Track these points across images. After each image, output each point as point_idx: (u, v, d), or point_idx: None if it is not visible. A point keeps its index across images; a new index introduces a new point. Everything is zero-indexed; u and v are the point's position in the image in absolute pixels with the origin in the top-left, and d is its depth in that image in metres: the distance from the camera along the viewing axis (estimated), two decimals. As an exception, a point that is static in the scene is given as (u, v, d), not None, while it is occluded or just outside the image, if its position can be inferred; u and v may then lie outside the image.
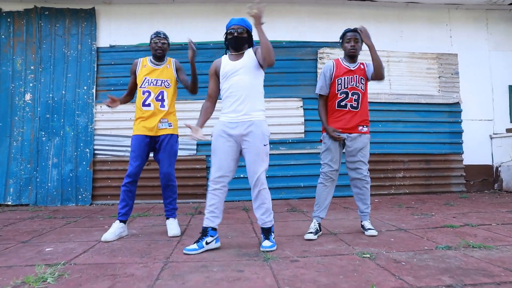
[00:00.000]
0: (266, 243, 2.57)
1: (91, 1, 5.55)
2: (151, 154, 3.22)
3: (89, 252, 2.54)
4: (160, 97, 3.12)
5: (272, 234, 2.66)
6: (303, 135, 5.64)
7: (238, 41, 2.62)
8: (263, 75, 2.71)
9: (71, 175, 5.24)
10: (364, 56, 3.25)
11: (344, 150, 3.10)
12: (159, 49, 3.14)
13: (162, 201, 4.94)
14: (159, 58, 3.18)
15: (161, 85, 3.13)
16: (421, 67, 5.93)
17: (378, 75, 2.95)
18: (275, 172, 5.50)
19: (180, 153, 5.35)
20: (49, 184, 5.20)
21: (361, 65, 3.09)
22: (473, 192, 5.86)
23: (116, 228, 2.99)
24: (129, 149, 5.27)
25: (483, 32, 6.16)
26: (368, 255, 2.34)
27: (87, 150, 5.30)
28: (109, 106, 3.18)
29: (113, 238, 2.92)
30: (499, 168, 5.92)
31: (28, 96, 5.37)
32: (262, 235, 2.66)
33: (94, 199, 5.25)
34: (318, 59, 5.74)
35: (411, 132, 5.82)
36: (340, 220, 3.66)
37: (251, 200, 5.33)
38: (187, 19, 5.73)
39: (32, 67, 5.43)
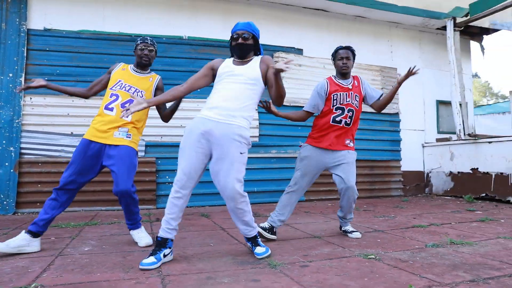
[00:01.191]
0: (260, 249, 2.34)
1: (21, -25, 4.75)
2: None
3: (52, 269, 2.04)
4: (127, 105, 2.61)
5: (259, 238, 2.44)
6: (257, 139, 5.51)
7: (243, 48, 2.36)
8: (262, 89, 2.41)
9: (-12, 178, 4.33)
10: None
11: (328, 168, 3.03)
12: (145, 57, 2.75)
13: (104, 208, 4.43)
14: (143, 67, 2.79)
15: (133, 93, 2.68)
16: (367, 78, 6.27)
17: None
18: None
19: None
20: (-42, 190, 4.23)
21: (355, 81, 3.05)
22: (409, 196, 6.35)
23: (18, 239, 2.40)
24: (66, 148, 4.63)
25: (417, 51, 6.79)
26: (373, 256, 2.29)
27: (12, 148, 4.44)
28: (29, 88, 2.71)
29: (7, 250, 2.32)
30: (429, 174, 6.53)
31: None
32: (248, 243, 2.42)
33: (19, 207, 4.40)
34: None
35: (358, 139, 6.08)
36: (312, 224, 3.59)
37: (204, 206, 5.03)
38: (139, 9, 5.24)
39: None
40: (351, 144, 3.04)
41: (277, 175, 5.56)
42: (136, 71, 2.80)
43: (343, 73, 3.00)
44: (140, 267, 2.04)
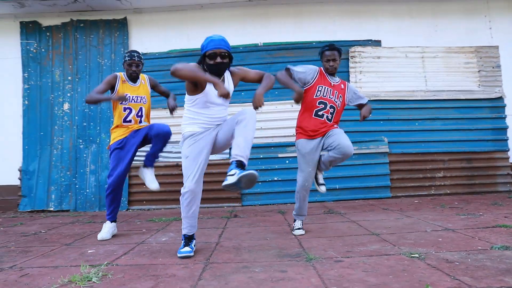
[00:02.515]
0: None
1: (122, 12, 5.72)
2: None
3: (130, 254, 2.56)
4: (139, 113, 3.28)
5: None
6: (335, 136, 5.49)
7: (222, 68, 2.37)
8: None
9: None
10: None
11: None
12: (134, 73, 3.24)
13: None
14: (133, 79, 3.29)
15: (140, 102, 3.28)
16: (459, 62, 5.65)
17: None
18: (284, 175, 5.38)
19: (213, 157, 5.39)
20: (87, 190, 5.35)
21: (342, 84, 3.15)
22: (521, 191, 5.48)
23: (108, 228, 3.22)
24: (163, 154, 5.37)
25: (525, 22, 5.80)
26: (417, 255, 2.21)
27: (123, 156, 5.41)
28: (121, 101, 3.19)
29: (108, 237, 3.15)
30: (549, 165, 5.52)
31: (66, 106, 5.58)
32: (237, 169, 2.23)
33: (130, 204, 5.35)
34: (349, 58, 5.60)
35: (451, 129, 5.53)
36: (380, 221, 3.50)
37: (286, 204, 5.22)
38: (217, 24, 5.77)
39: (69, 78, 5.64)
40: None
41: (360, 171, 5.43)
42: (131, 81, 3.28)
43: (329, 73, 3.11)
44: (178, 255, 2.41)
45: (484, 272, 1.85)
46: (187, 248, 2.44)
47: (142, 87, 3.34)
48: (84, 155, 5.45)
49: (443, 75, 5.63)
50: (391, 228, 3.15)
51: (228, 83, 2.50)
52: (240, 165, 2.20)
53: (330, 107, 3.04)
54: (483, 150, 5.53)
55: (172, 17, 5.79)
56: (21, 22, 5.70)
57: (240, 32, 5.77)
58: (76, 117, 5.53)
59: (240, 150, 2.23)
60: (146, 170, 3.24)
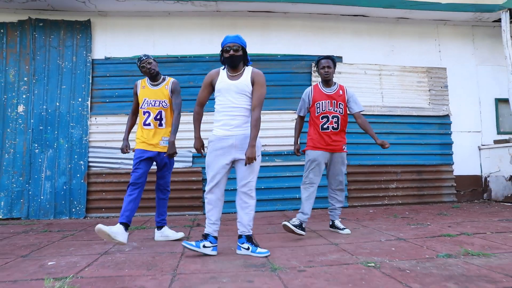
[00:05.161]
0: (261, 249, 2.73)
1: (86, 13, 5.57)
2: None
3: (94, 265, 2.51)
4: (158, 117, 3.30)
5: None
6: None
7: (234, 59, 2.70)
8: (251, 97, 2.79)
9: (64, 187, 5.16)
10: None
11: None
12: (150, 70, 3.30)
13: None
14: (154, 77, 3.34)
15: (159, 106, 3.31)
16: (412, 80, 6.10)
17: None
18: (271, 183, 5.53)
19: (176, 165, 5.38)
20: (42, 197, 5.11)
21: (340, 91, 3.48)
22: (463, 202, 5.99)
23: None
24: (124, 161, 5.28)
25: (469, 47, 6.39)
26: (373, 264, 2.38)
27: (81, 162, 5.24)
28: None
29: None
30: (487, 179, 6.09)
31: (21, 108, 5.31)
32: (248, 244, 2.75)
33: (88, 212, 5.17)
34: (312, 72, 5.85)
35: (404, 143, 5.94)
36: (338, 231, 3.69)
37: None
38: (183, 32, 5.79)
39: (25, 79, 5.38)
40: (345, 149, 3.55)
41: (321, 181, 5.64)
42: (152, 85, 3.36)
43: (325, 80, 3.46)
44: (182, 243, 2.72)
45: (431, 279, 2.05)
46: (192, 242, 2.72)
47: (164, 91, 3.33)
48: (39, 160, 5.20)
49: (398, 92, 6.05)
50: (349, 237, 3.34)
51: (246, 81, 2.72)
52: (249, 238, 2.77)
53: (333, 118, 3.36)
54: (431, 163, 5.98)
55: (138, 22, 5.72)
56: (-27, 17, 5.37)
57: (207, 42, 5.82)
58: (32, 120, 5.28)
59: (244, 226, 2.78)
60: (164, 230, 3.40)
